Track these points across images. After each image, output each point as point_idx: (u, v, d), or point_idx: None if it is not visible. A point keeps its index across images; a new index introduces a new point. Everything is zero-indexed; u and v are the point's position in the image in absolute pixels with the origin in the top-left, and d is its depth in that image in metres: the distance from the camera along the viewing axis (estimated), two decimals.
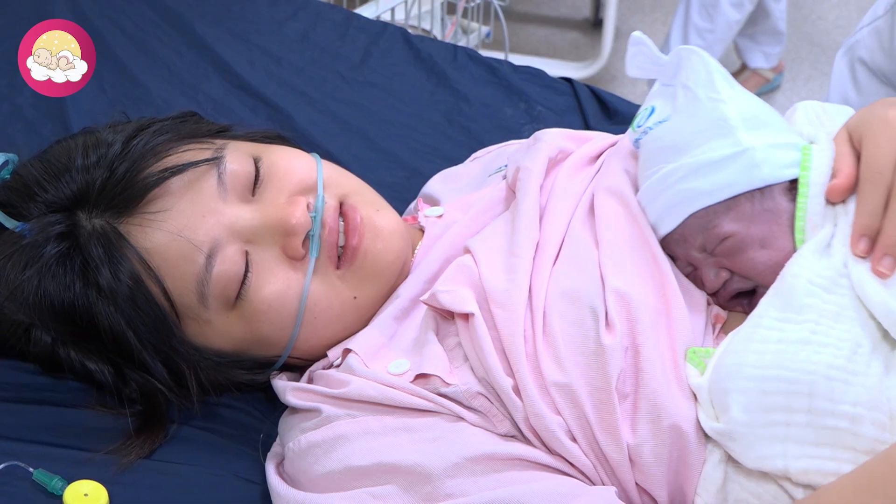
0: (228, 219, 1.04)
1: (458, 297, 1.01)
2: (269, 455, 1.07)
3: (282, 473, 1.04)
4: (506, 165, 1.24)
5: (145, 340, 1.03)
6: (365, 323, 1.10)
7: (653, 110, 1.06)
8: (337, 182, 1.12)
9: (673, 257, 1.03)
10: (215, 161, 1.06)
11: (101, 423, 1.07)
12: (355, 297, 1.09)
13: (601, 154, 1.17)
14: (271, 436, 1.10)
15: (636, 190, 1.07)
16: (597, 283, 0.99)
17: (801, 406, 0.88)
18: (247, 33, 1.65)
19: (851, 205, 0.97)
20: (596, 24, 3.93)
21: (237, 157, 1.07)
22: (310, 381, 1.09)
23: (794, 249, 0.97)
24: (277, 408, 1.11)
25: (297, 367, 1.13)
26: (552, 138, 1.17)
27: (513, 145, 1.34)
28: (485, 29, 2.53)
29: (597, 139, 1.20)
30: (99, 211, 1.03)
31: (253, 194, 1.07)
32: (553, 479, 0.93)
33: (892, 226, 0.93)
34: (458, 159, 1.43)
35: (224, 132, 1.16)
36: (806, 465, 0.88)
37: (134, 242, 1.01)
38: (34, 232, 1.03)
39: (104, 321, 1.02)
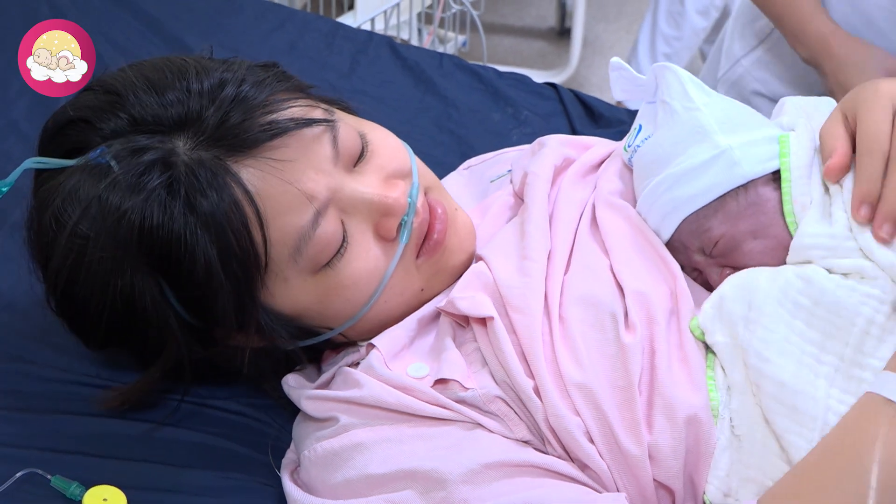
0: (337, 183, 1.02)
1: (476, 302, 1.02)
2: (284, 462, 1.08)
3: (297, 481, 1.04)
4: (509, 171, 1.26)
5: (232, 282, 0.98)
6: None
7: (640, 129, 1.11)
8: (423, 174, 1.11)
9: (680, 266, 1.06)
10: (331, 124, 1.03)
11: (115, 428, 1.08)
12: (422, 289, 1.09)
13: (602, 162, 1.20)
14: (281, 440, 1.12)
15: (633, 199, 1.10)
16: (613, 289, 1.02)
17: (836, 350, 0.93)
18: (235, 44, 1.66)
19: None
20: (562, 32, 3.97)
21: (346, 127, 1.05)
22: (331, 378, 1.08)
23: (789, 233, 1.01)
24: (284, 413, 1.13)
25: (322, 350, 1.12)
26: (556, 145, 1.19)
27: (509, 153, 1.36)
28: (461, 38, 2.56)
29: (598, 146, 1.22)
30: (205, 143, 0.97)
31: (354, 167, 1.06)
32: (565, 487, 0.95)
33: (891, 193, 0.96)
34: (450, 164, 1.45)
35: (309, 90, 1.12)
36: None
37: (245, 180, 0.97)
38: (119, 155, 0.97)
39: (200, 254, 0.96)
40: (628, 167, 1.14)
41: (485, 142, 1.53)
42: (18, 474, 0.99)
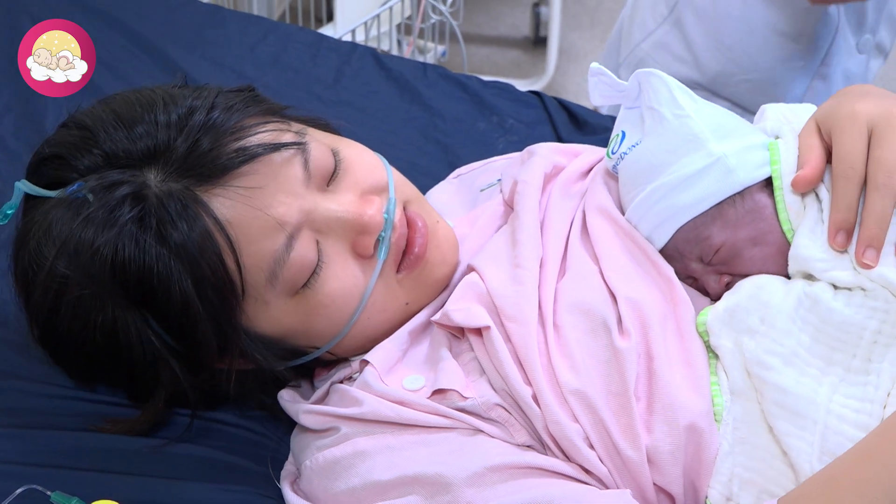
0: (309, 205, 1.03)
1: (470, 313, 1.02)
2: (283, 474, 1.08)
3: (298, 491, 1.04)
4: (498, 180, 1.27)
5: (210, 310, 0.99)
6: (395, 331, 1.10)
7: (623, 135, 1.10)
8: (401, 187, 1.12)
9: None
10: (301, 146, 1.03)
11: (114, 444, 1.07)
12: (407, 304, 1.09)
13: (591, 169, 1.20)
14: (279, 452, 1.12)
15: (619, 207, 1.11)
16: (606, 296, 1.02)
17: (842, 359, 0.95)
18: (220, 57, 1.67)
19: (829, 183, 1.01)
20: (536, 42, 3.98)
21: (318, 146, 1.05)
22: (326, 394, 1.09)
23: (787, 239, 1.02)
24: (284, 426, 1.13)
25: (312, 368, 1.13)
26: (546, 153, 1.19)
27: (498, 161, 1.37)
28: (440, 48, 2.57)
29: (587, 154, 1.23)
30: (174, 174, 0.98)
31: (328, 186, 1.06)
32: (570, 485, 0.95)
33: (870, 219, 0.97)
34: (437, 174, 1.45)
35: (284, 111, 1.13)
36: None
37: (214, 210, 0.98)
38: (94, 191, 0.98)
39: (175, 284, 0.97)
40: (613, 176, 1.14)
41: (471, 151, 1.54)
42: (18, 490, 0.98)
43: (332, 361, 1.12)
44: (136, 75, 1.59)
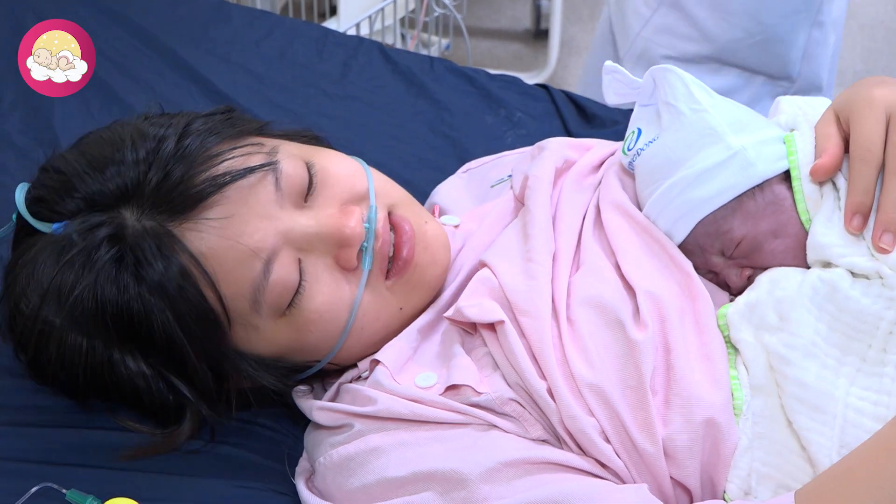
0: (285, 225, 1.02)
1: (484, 309, 1.02)
2: (298, 471, 1.08)
3: (312, 489, 1.04)
4: (509, 176, 1.26)
5: (196, 343, 1.00)
6: (401, 331, 1.10)
7: (639, 132, 1.09)
8: (386, 192, 1.11)
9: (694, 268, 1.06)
10: (272, 166, 1.03)
11: (126, 440, 1.07)
12: (401, 308, 1.09)
13: (603, 163, 1.20)
14: (295, 449, 1.11)
15: (635, 202, 1.10)
16: (620, 289, 1.02)
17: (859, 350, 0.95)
18: (226, 53, 1.66)
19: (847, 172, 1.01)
20: (537, 35, 3.97)
21: (290, 162, 1.05)
22: (336, 394, 1.09)
23: (805, 230, 1.02)
24: (300, 423, 1.12)
25: (322, 374, 1.13)
26: (557, 147, 1.19)
27: (508, 156, 1.36)
28: (444, 42, 2.56)
29: (598, 147, 1.22)
30: (149, 211, 0.99)
31: (305, 201, 1.06)
32: (586, 480, 0.95)
33: (888, 203, 0.97)
34: (446, 168, 1.45)
35: (263, 129, 1.13)
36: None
37: (189, 245, 0.99)
38: (77, 233, 1.00)
39: (157, 321, 0.99)
40: (627, 172, 1.14)
41: (480, 144, 1.53)
42: (34, 489, 0.98)
43: (340, 370, 1.12)
44: (142, 71, 1.58)
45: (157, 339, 1.00)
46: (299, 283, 1.03)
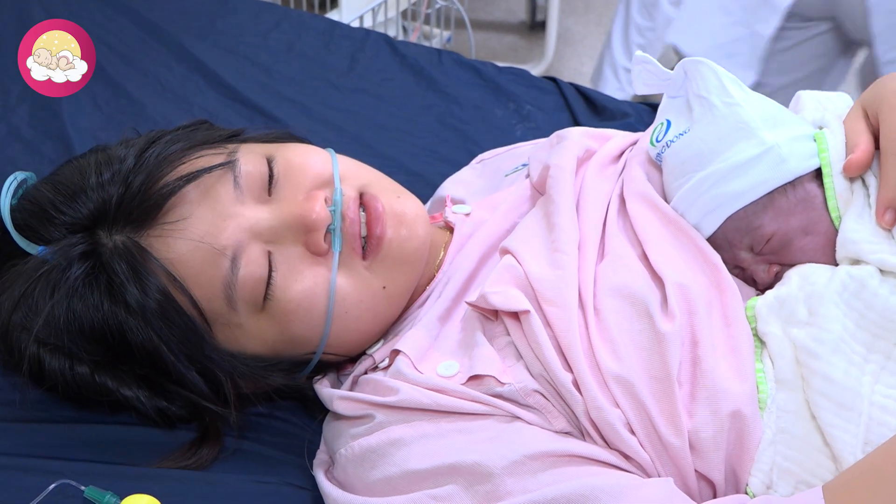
0: (248, 220, 1.03)
1: (509, 297, 1.01)
2: (316, 462, 1.07)
3: (332, 480, 1.03)
4: (524, 165, 1.26)
5: (178, 352, 1.01)
6: (397, 313, 1.10)
7: (668, 123, 1.09)
8: (355, 173, 1.11)
9: None
10: (229, 165, 1.04)
11: (144, 436, 1.07)
12: (384, 287, 1.08)
13: (623, 153, 1.19)
14: (314, 443, 1.11)
15: (661, 194, 1.09)
16: (647, 279, 1.01)
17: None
18: (233, 45, 1.65)
19: (877, 168, 1.01)
20: (532, 26, 3.97)
21: (250, 158, 1.06)
22: (352, 386, 1.08)
23: (835, 228, 1.01)
24: (316, 415, 1.12)
25: (333, 365, 1.13)
26: (577, 137, 1.18)
27: (522, 147, 1.36)
28: (446, 34, 2.56)
29: (617, 138, 1.21)
30: (118, 227, 1.01)
31: (269, 194, 1.06)
32: (612, 474, 0.94)
33: None
34: (456, 161, 1.45)
35: (236, 136, 1.14)
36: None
37: (157, 254, 1.00)
38: (56, 255, 1.02)
39: (136, 338, 1.01)
40: (653, 163, 1.13)
41: (489, 137, 1.53)
42: (51, 486, 0.97)
43: (353, 359, 1.12)
44: (150, 64, 1.58)
45: (138, 353, 1.02)
46: (269, 275, 1.03)
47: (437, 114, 1.58)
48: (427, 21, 2.48)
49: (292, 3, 2.42)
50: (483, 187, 1.31)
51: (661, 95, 1.13)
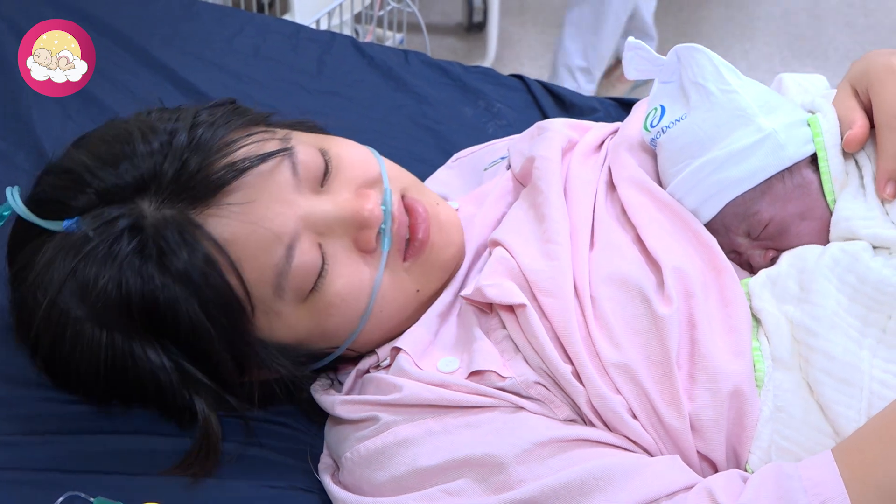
0: (304, 210, 1.02)
1: (504, 289, 1.01)
2: (321, 467, 1.07)
3: (338, 483, 1.03)
4: (503, 158, 1.27)
5: (221, 331, 0.99)
6: (419, 317, 1.09)
7: (663, 109, 1.10)
8: (397, 176, 1.11)
9: None
10: (287, 152, 1.03)
11: (147, 445, 1.06)
12: (418, 290, 1.09)
13: (603, 142, 1.21)
14: (316, 447, 1.10)
15: (652, 178, 1.11)
16: (642, 266, 1.02)
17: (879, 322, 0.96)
18: (199, 51, 1.64)
19: (869, 149, 1.04)
20: (469, 28, 3.99)
21: (305, 148, 1.05)
22: (354, 384, 1.09)
23: (830, 212, 1.03)
24: (315, 419, 1.12)
25: (331, 366, 1.12)
26: (559, 127, 1.19)
27: (498, 143, 1.37)
28: (399, 36, 2.56)
29: (596, 128, 1.23)
30: (167, 200, 0.98)
31: (321, 186, 1.06)
32: (620, 454, 0.96)
33: None
34: (431, 161, 1.45)
35: (268, 119, 1.13)
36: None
37: (211, 231, 0.98)
38: (93, 229, 0.98)
39: (183, 311, 0.98)
40: (645, 148, 1.15)
41: (462, 136, 1.54)
42: (60, 499, 0.96)
43: (356, 357, 1.11)
44: (117, 72, 1.55)
45: (182, 328, 0.99)
46: (322, 267, 1.03)
47: (409, 114, 1.59)
48: (380, 24, 2.49)
49: (242, 7, 2.41)
50: (463, 186, 1.31)
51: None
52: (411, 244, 1.08)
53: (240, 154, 1.00)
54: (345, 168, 1.07)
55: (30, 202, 1.03)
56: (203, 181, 0.98)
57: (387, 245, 1.06)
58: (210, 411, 1.03)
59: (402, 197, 1.09)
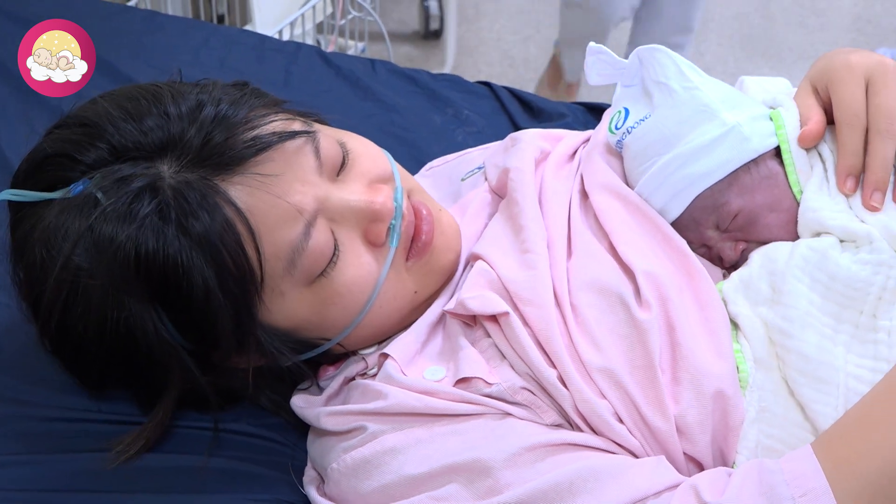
0: (324, 192, 1.02)
1: (486, 300, 1.02)
2: (306, 480, 1.06)
3: (324, 496, 1.03)
4: (479, 168, 1.28)
5: (231, 302, 0.97)
6: (411, 321, 1.10)
7: (626, 111, 1.11)
8: (404, 177, 1.12)
9: (687, 243, 1.08)
10: (312, 135, 1.03)
11: (132, 462, 1.04)
12: (416, 292, 1.09)
13: (576, 151, 1.21)
14: (297, 459, 1.10)
15: (623, 182, 1.12)
16: (618, 272, 1.03)
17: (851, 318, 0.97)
18: (165, 63, 1.63)
19: (832, 143, 1.06)
20: (426, 35, 4.00)
21: (326, 137, 1.06)
22: (339, 390, 1.08)
23: (797, 202, 1.05)
24: (295, 431, 1.11)
25: (312, 368, 1.11)
26: (531, 138, 1.20)
27: (472, 152, 1.37)
28: (360, 45, 2.56)
29: (569, 137, 1.24)
30: (189, 165, 0.97)
31: (338, 176, 1.06)
32: (607, 456, 0.96)
33: (875, 163, 1.02)
34: (404, 168, 1.45)
35: (281, 105, 1.12)
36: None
37: (234, 198, 0.97)
38: (104, 189, 0.96)
39: (197, 277, 0.95)
40: (613, 153, 1.15)
41: (433, 144, 1.54)
42: None
43: (340, 356, 1.11)
44: (85, 86, 1.54)
45: (195, 296, 0.97)
46: (334, 252, 1.03)
47: (379, 123, 1.58)
48: (342, 33, 2.48)
49: (203, 19, 2.40)
50: (440, 195, 1.31)
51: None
52: (415, 244, 1.08)
53: (267, 129, 1.00)
54: (360, 162, 1.08)
55: (30, 161, 1.02)
56: (228, 151, 0.98)
57: (395, 241, 1.06)
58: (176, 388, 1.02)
59: (409, 198, 1.10)
